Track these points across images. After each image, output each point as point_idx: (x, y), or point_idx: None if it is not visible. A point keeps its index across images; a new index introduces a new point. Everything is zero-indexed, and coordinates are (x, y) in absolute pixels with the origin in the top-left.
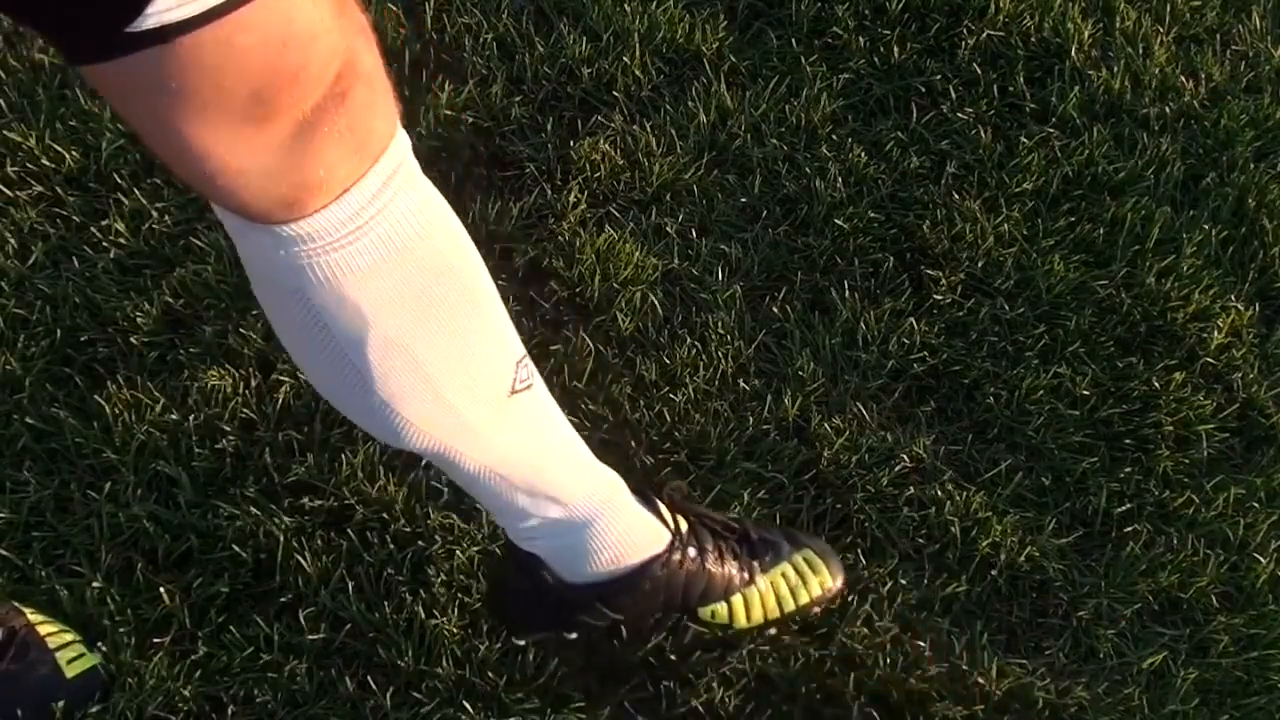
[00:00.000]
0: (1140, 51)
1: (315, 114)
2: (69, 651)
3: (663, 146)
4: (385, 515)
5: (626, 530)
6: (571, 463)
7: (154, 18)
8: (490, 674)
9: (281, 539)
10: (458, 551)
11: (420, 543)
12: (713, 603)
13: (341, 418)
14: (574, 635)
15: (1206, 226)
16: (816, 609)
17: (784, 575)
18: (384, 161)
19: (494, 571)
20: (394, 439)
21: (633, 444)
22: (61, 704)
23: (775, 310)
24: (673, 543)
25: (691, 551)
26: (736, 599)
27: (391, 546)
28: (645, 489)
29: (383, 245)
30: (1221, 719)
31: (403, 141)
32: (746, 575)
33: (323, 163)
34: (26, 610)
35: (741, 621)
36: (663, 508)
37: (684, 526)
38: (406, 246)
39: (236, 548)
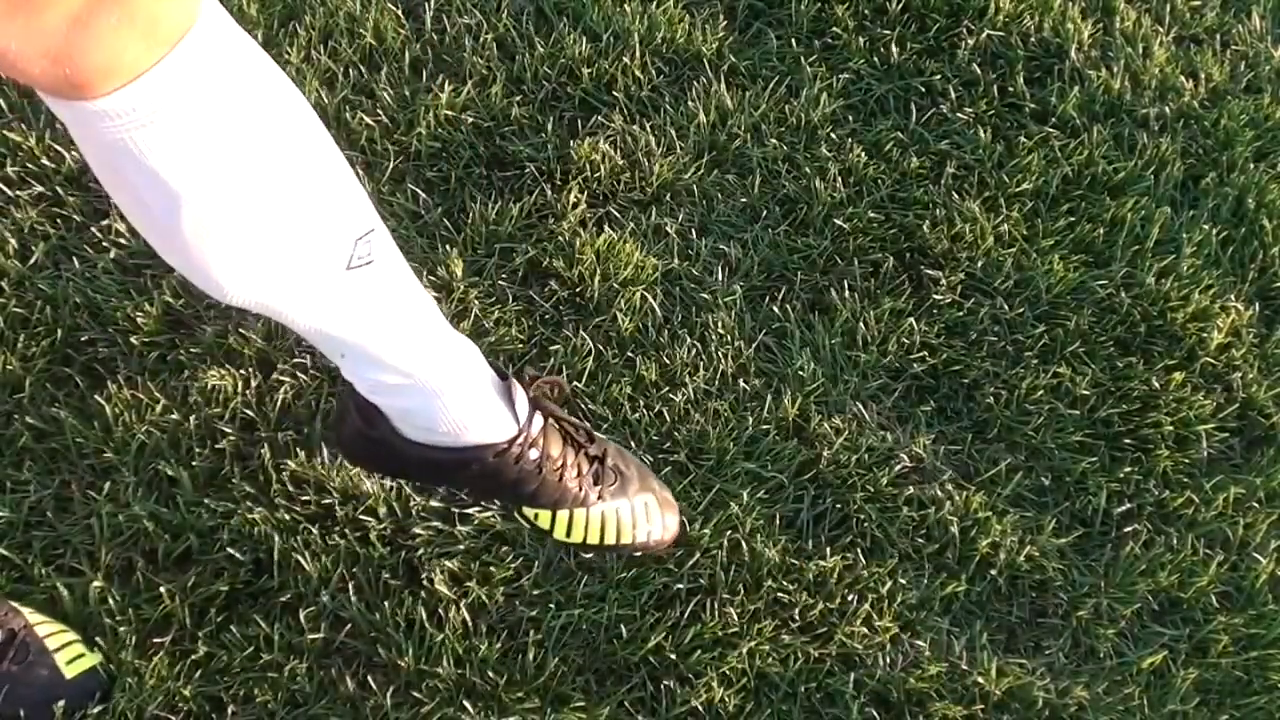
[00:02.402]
0: (1140, 51)
1: (88, 7)
2: (68, 652)
3: (663, 146)
4: (385, 513)
5: (467, 412)
6: (418, 339)
7: None
8: (490, 674)
9: (281, 539)
10: (447, 561)
11: (418, 542)
12: (539, 508)
13: None
14: (399, 481)
15: (1206, 226)
16: (637, 553)
17: (618, 510)
18: (183, 46)
19: (339, 399)
20: (217, 295)
21: (633, 444)
22: (62, 704)
23: (775, 310)
24: (515, 438)
25: (534, 454)
26: (563, 514)
27: (390, 546)
28: (516, 376)
29: (189, 124)
30: (1221, 719)
31: (210, 23)
32: (583, 495)
33: (104, 50)
34: (26, 611)
35: (560, 535)
36: (522, 401)
37: (536, 427)
38: (216, 125)
39: (235, 549)
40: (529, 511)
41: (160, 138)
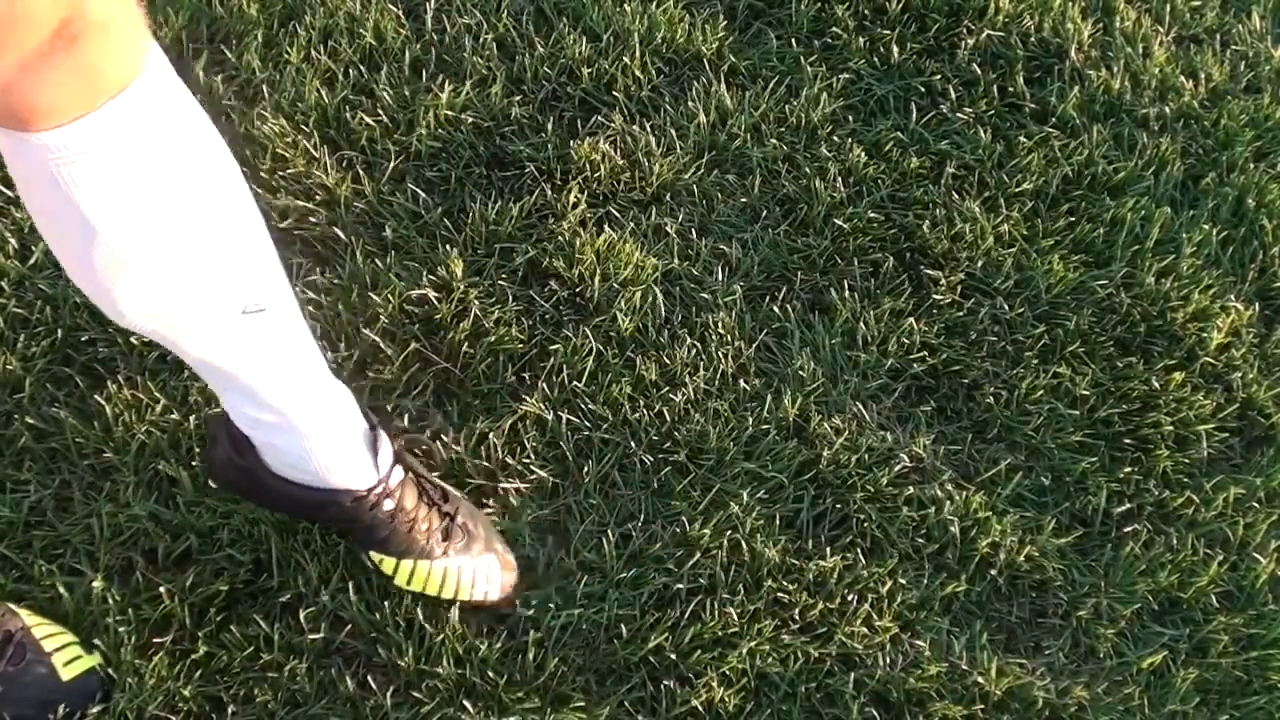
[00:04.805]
0: (1140, 51)
1: (39, 54)
2: (66, 653)
3: (663, 146)
4: None
5: (333, 457)
6: (298, 384)
7: None
8: (490, 674)
9: (281, 539)
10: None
11: None
12: (387, 555)
13: None
14: (266, 510)
15: (1206, 226)
16: (471, 609)
17: (460, 567)
18: (122, 97)
19: (212, 423)
20: (115, 319)
21: (633, 444)
22: (62, 707)
23: (775, 310)
24: (374, 488)
25: (389, 504)
26: (407, 563)
27: None
28: (381, 429)
29: (114, 165)
30: (1221, 719)
31: (151, 78)
32: (429, 549)
33: (48, 95)
34: (23, 612)
35: (402, 583)
36: (386, 453)
37: (395, 479)
38: (139, 170)
39: (235, 550)
40: (375, 556)
41: (86, 174)
